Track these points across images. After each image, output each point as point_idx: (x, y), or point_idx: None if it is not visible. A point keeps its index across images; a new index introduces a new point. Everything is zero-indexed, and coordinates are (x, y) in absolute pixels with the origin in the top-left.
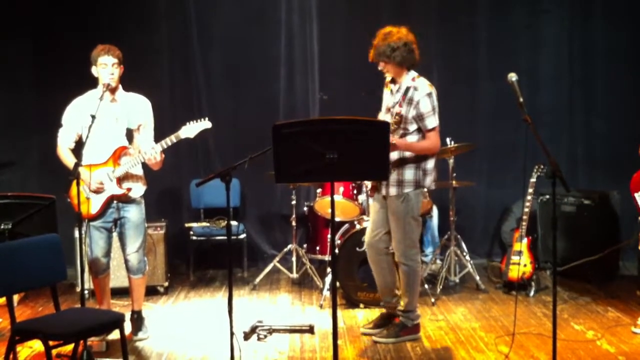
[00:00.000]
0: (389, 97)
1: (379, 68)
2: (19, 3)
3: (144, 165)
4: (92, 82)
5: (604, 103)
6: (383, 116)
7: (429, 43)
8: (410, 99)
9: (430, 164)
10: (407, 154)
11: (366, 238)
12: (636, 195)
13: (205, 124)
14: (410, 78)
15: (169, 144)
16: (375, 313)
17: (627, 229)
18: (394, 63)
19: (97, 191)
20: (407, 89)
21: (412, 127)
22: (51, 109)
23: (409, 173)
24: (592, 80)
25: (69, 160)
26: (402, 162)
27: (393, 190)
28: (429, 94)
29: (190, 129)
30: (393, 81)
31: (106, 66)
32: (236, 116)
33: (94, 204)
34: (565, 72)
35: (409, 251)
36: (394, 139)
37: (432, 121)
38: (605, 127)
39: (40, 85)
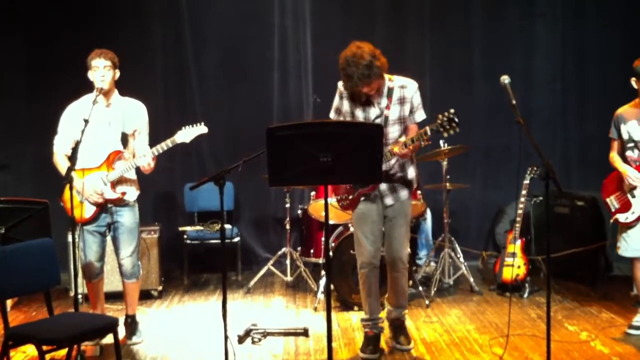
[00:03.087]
0: (367, 109)
1: (364, 91)
2: (12, 6)
3: (137, 170)
4: (87, 86)
5: (597, 104)
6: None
7: (423, 45)
8: (401, 98)
9: None
10: None
11: (369, 258)
12: (607, 200)
13: (201, 128)
14: (387, 79)
15: (165, 148)
16: None
17: (611, 229)
18: (377, 79)
19: (96, 203)
20: (390, 90)
21: (402, 127)
22: (45, 113)
23: (411, 171)
24: (585, 81)
25: (64, 167)
26: (402, 164)
27: (405, 194)
28: (418, 87)
29: (186, 134)
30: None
31: (98, 69)
32: (230, 119)
33: (88, 209)
34: (558, 74)
35: (407, 253)
36: (401, 149)
37: (422, 114)
38: (598, 129)
39: (34, 88)
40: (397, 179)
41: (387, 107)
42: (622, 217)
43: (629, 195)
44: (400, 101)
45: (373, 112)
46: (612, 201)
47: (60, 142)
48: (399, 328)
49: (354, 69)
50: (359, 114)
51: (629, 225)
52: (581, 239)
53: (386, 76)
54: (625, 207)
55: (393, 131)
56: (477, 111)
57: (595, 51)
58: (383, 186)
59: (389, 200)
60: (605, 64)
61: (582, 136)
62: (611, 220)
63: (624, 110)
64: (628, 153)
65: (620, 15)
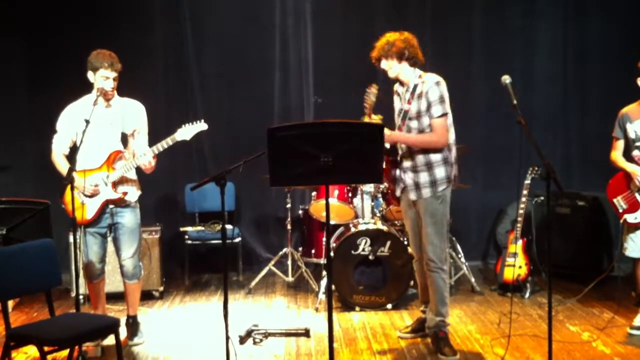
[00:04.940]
0: (398, 102)
1: (382, 67)
2: (12, 4)
3: (138, 170)
4: (87, 85)
5: (598, 104)
6: (396, 120)
7: (423, 44)
8: (419, 94)
9: (454, 155)
10: (432, 152)
11: (412, 250)
12: (614, 200)
13: (201, 125)
14: (416, 76)
15: (165, 146)
16: (370, 316)
17: (620, 230)
18: (393, 57)
19: (93, 194)
20: (415, 86)
21: (427, 122)
22: (46, 113)
23: (440, 171)
24: (586, 81)
25: (63, 166)
26: (429, 162)
27: (427, 192)
28: (437, 82)
29: (186, 131)
30: (401, 84)
31: (107, 79)
32: (231, 119)
33: (89, 210)
34: (559, 73)
35: (444, 255)
36: (389, 132)
37: (438, 109)
38: (599, 128)
39: (34, 88)
40: (421, 176)
41: (408, 102)
42: (630, 218)
43: (637, 195)
44: (419, 96)
45: (400, 105)
46: (620, 202)
47: (59, 142)
48: (441, 339)
49: (377, 43)
50: (396, 105)
51: (637, 226)
52: (582, 239)
53: (417, 72)
54: (634, 207)
55: (412, 125)
56: (477, 111)
57: (596, 50)
58: (409, 180)
59: (412, 196)
60: (606, 63)
61: (583, 136)
62: (621, 221)
63: (629, 109)
64: (635, 152)
65: (621, 13)
